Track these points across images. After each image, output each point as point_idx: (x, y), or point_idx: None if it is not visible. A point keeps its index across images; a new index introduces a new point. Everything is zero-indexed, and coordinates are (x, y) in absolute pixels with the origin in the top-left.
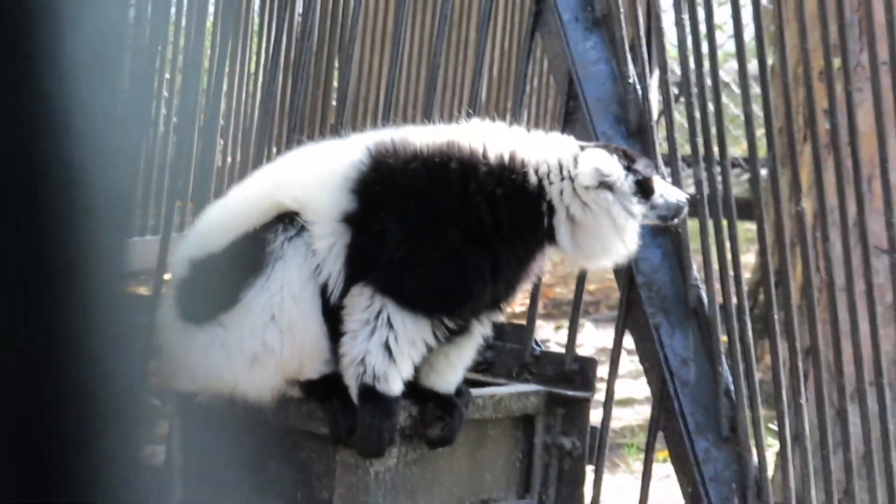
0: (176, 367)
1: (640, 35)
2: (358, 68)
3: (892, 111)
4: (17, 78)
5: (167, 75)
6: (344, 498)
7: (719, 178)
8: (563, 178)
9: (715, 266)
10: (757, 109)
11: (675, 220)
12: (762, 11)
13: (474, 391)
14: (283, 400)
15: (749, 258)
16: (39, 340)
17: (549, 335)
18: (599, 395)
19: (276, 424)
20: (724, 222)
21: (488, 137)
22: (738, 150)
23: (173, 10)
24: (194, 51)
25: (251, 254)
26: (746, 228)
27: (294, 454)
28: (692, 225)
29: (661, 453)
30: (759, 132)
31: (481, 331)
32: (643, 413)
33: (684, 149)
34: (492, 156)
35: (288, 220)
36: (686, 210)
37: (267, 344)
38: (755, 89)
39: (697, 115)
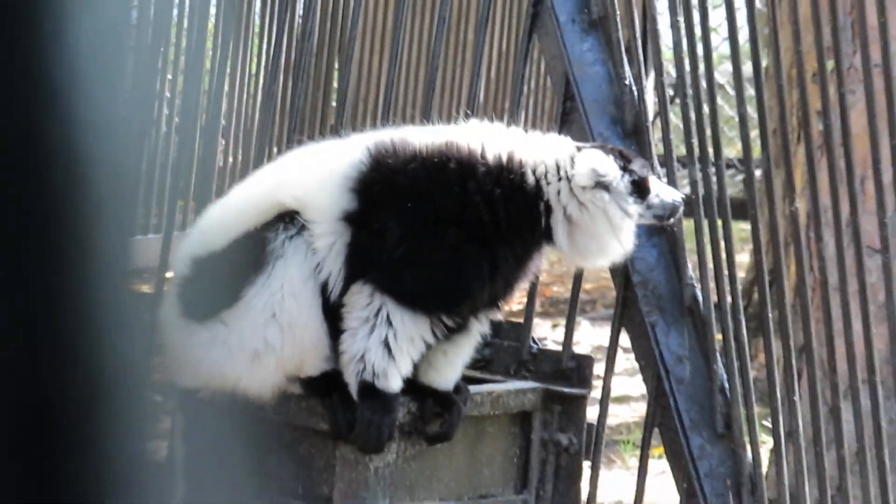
0: (178, 364)
1: (636, 37)
2: (357, 69)
3: (885, 113)
4: (21, 76)
5: (169, 76)
6: (343, 493)
7: (714, 179)
8: (560, 179)
9: (710, 265)
10: (751, 111)
11: (671, 220)
12: (757, 14)
13: (472, 388)
14: (284, 396)
15: (743, 257)
16: (44, 337)
17: (547, 333)
18: (596, 393)
19: (277, 420)
20: (719, 222)
21: (486, 138)
22: (732, 150)
23: (175, 11)
24: (196, 52)
25: (252, 252)
26: (741, 228)
27: (294, 449)
28: (687, 224)
29: (657, 450)
30: (754, 133)
31: (479, 329)
32: (639, 410)
33: (680, 149)
34: (490, 156)
35: (288, 219)
36: (681, 210)
37: (268, 341)
38: (750, 91)
39: (693, 116)
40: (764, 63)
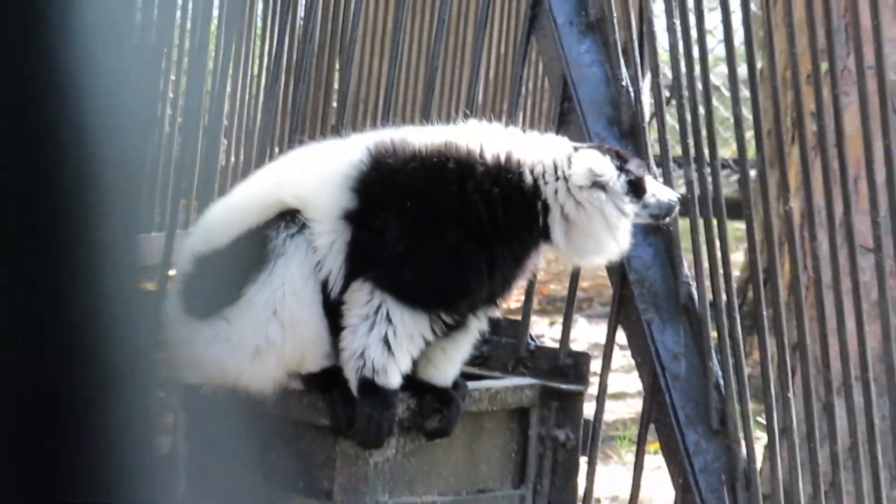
0: (181, 360)
1: (632, 39)
2: (358, 70)
3: (878, 114)
4: (29, 75)
5: (172, 77)
6: (344, 488)
7: (709, 179)
8: (557, 178)
9: (705, 264)
10: (746, 112)
11: (667, 219)
12: (751, 17)
13: (471, 384)
14: (285, 392)
15: (738, 256)
16: (52, 334)
17: (544, 330)
18: (592, 389)
19: (278, 416)
20: (714, 221)
21: (485, 138)
22: (727, 151)
23: (178, 13)
24: (199, 53)
25: (254, 250)
26: (736, 227)
27: (295, 445)
28: (683, 224)
29: (653, 445)
30: (749, 134)
31: (478, 326)
32: (635, 406)
33: (675, 150)
34: (488, 156)
35: (290, 218)
36: (677, 209)
37: (269, 338)
38: (745, 92)
39: (688, 117)
40: (759, 65)
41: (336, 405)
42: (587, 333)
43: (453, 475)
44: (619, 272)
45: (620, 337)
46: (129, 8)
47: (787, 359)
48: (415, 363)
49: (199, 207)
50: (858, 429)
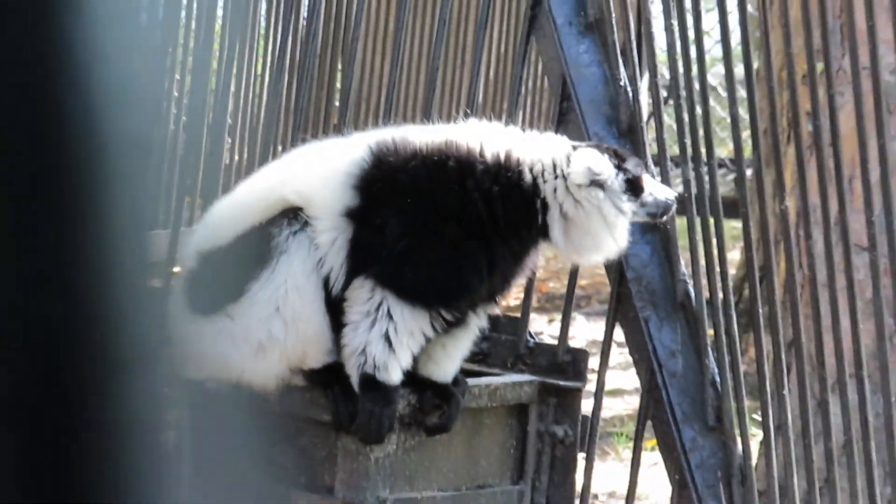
0: (184, 356)
1: (631, 39)
2: (360, 70)
3: (873, 114)
4: (39, 75)
5: (177, 76)
6: (345, 483)
7: (706, 178)
8: (556, 177)
9: (702, 262)
10: (743, 112)
11: (664, 218)
12: (748, 18)
13: (471, 381)
14: (288, 388)
15: (735, 255)
16: (61, 329)
17: (543, 328)
18: (590, 386)
19: (281, 411)
20: (711, 220)
21: (485, 137)
22: (724, 150)
23: (183, 13)
24: (203, 53)
25: (257, 247)
26: (732, 226)
27: (297, 440)
28: (680, 222)
29: (650, 442)
30: (745, 134)
31: (477, 323)
32: (632, 403)
33: (673, 149)
34: (488, 154)
35: (292, 215)
36: (674, 208)
37: (272, 334)
38: (741, 92)
39: (686, 116)
40: (755, 65)
41: (338, 401)
42: (585, 331)
43: (453, 471)
44: (617, 270)
45: (618, 334)
46: (136, 8)
47: (783, 356)
48: (415, 360)
49: (203, 205)
50: (853, 426)
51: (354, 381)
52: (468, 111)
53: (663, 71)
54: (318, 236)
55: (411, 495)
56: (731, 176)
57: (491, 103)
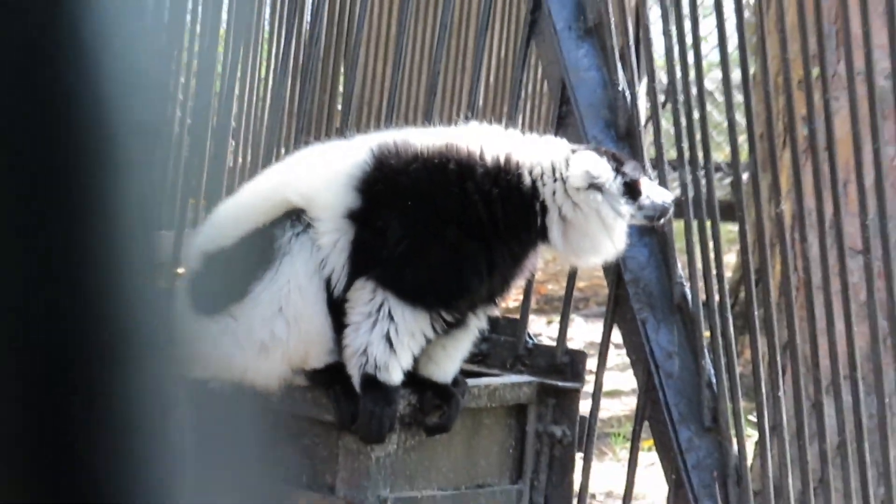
0: (188, 355)
1: (629, 44)
2: (362, 74)
3: (868, 119)
4: (49, 77)
5: (182, 79)
6: (346, 481)
7: (703, 182)
8: (555, 180)
9: (699, 264)
10: (739, 116)
11: (662, 221)
12: (745, 23)
13: (470, 381)
14: (290, 387)
15: (731, 257)
16: (70, 327)
17: (542, 329)
18: (588, 387)
19: (283, 411)
20: (708, 223)
21: (485, 140)
22: (721, 154)
23: (188, 17)
24: (208, 56)
25: (260, 248)
26: (728, 229)
27: (299, 439)
28: (677, 225)
29: (647, 442)
30: (741, 138)
31: (477, 324)
32: (630, 404)
33: (670, 153)
34: (488, 157)
35: (295, 217)
36: (672, 211)
37: (274, 334)
38: (738, 97)
39: (683, 121)
40: (752, 70)
41: (339, 401)
42: (583, 332)
43: (453, 470)
44: (614, 272)
45: (616, 336)
46: (141, 11)
47: (778, 358)
48: (416, 360)
49: (207, 206)
50: (847, 427)
51: (356, 381)
52: (469, 114)
53: (661, 75)
54: (320, 238)
55: (411, 494)
56: (728, 180)
57: (491, 107)
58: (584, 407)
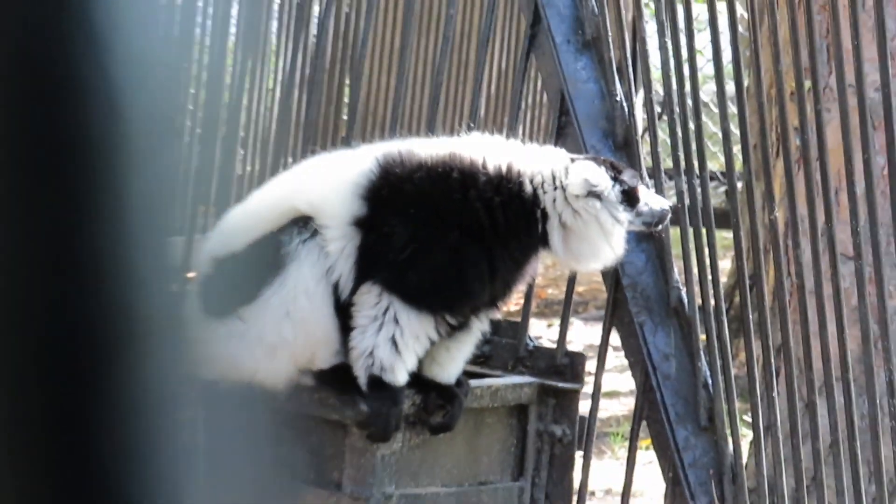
0: (199, 358)
1: (626, 57)
2: (367, 85)
3: (858, 129)
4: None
5: (192, 90)
6: (352, 479)
7: (699, 190)
8: (555, 188)
9: (694, 270)
10: (733, 127)
11: (659, 227)
12: (739, 37)
13: (473, 382)
14: (297, 388)
15: (726, 263)
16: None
17: (542, 332)
18: (588, 387)
19: (291, 410)
20: (704, 230)
21: (487, 149)
22: (715, 164)
23: (198, 30)
24: (217, 68)
25: (269, 254)
26: (723, 236)
27: (306, 438)
28: (674, 232)
29: (645, 441)
30: (736, 148)
31: (480, 327)
32: (628, 404)
33: (667, 162)
34: (490, 166)
35: (303, 224)
36: (668, 218)
37: (283, 336)
38: (732, 108)
39: (679, 131)
40: (745, 82)
41: (345, 401)
42: (583, 335)
43: (456, 468)
44: (613, 277)
45: (614, 338)
46: (153, 25)
47: (772, 360)
48: (420, 362)
49: (216, 213)
50: (839, 426)
51: (362, 382)
52: (471, 125)
53: (657, 87)
54: (327, 244)
55: (416, 491)
56: (723, 188)
57: (492, 117)
58: (584, 407)
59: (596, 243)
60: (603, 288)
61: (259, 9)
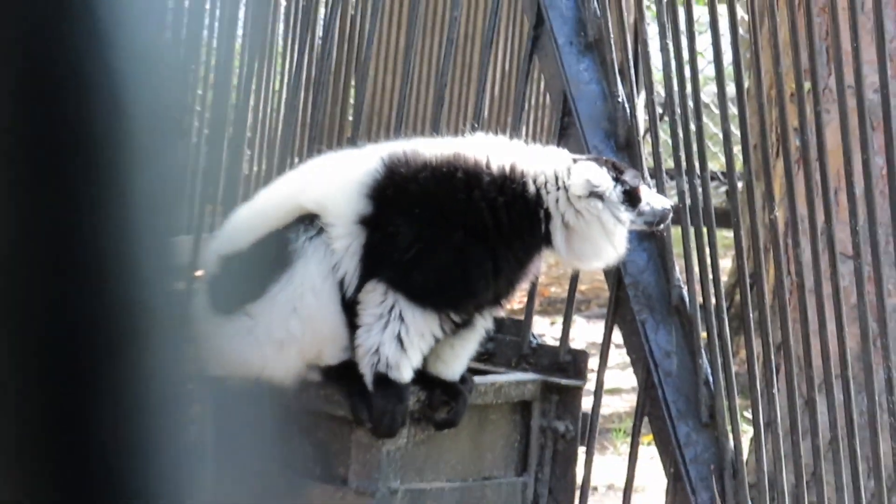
0: (207, 354)
1: (628, 59)
2: (372, 86)
3: (857, 130)
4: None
5: (199, 91)
6: (358, 474)
7: (700, 190)
8: (558, 188)
9: (696, 268)
10: (734, 128)
11: (660, 227)
12: (739, 39)
13: (477, 379)
14: (304, 385)
15: (726, 262)
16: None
17: (545, 329)
18: (590, 384)
19: (298, 406)
20: (704, 229)
21: (491, 150)
22: (716, 164)
23: (205, 32)
24: (224, 69)
25: (276, 252)
26: (724, 235)
27: (313, 433)
28: (675, 231)
29: (646, 437)
30: (736, 148)
31: (483, 324)
32: (630, 400)
33: (668, 163)
34: (494, 166)
35: (309, 222)
36: (670, 217)
37: (290, 332)
38: (732, 110)
39: (680, 132)
40: (746, 84)
41: (352, 397)
42: (585, 333)
43: (460, 463)
44: (615, 275)
45: (616, 336)
46: (163, 26)
47: (772, 357)
48: (425, 359)
49: (223, 212)
50: (838, 423)
51: (368, 378)
52: (475, 125)
53: (659, 89)
54: (333, 242)
55: (420, 486)
56: (724, 188)
57: (496, 118)
58: (587, 403)
59: (598, 243)
60: (605, 286)
61: (266, 11)
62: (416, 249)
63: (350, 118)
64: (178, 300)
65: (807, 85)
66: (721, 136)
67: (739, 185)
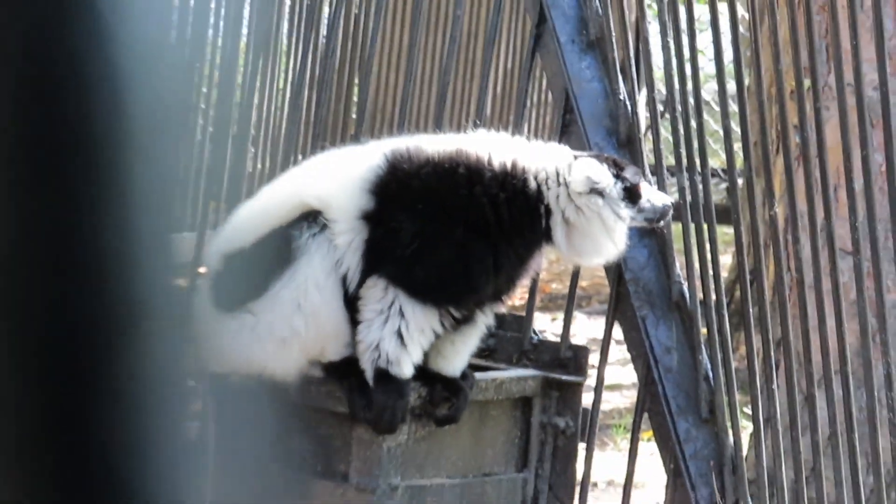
0: (210, 351)
1: (629, 57)
2: (376, 84)
3: (856, 127)
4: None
5: (204, 89)
6: (359, 470)
7: (700, 186)
8: (559, 184)
9: (696, 265)
10: (734, 125)
11: (660, 223)
12: (740, 37)
13: (478, 375)
14: (305, 381)
15: (726, 258)
16: (86, 326)
17: (546, 325)
18: (591, 380)
19: (299, 403)
20: (705, 226)
21: (493, 146)
22: (717, 161)
23: (210, 31)
24: (229, 68)
25: (279, 248)
26: (724, 232)
27: (314, 430)
28: (676, 228)
29: (647, 433)
30: (737, 145)
31: (484, 320)
32: (630, 396)
33: (669, 160)
34: (496, 163)
35: (312, 218)
36: (670, 214)
37: (293, 329)
38: (733, 107)
39: (681, 129)
40: (746, 81)
41: (353, 393)
42: (586, 329)
43: (461, 459)
44: (615, 272)
45: (617, 332)
46: (166, 26)
47: (772, 353)
48: (426, 355)
49: (227, 209)
50: (838, 419)
51: (369, 374)
52: (477, 122)
53: (660, 86)
54: (336, 238)
55: (421, 482)
56: (724, 185)
57: (498, 115)
58: (587, 399)
59: (598, 239)
60: (606, 283)
61: (270, 10)
62: (417, 245)
63: (354, 115)
64: (178, 300)
65: (807, 82)
66: (721, 133)
67: (740, 181)
